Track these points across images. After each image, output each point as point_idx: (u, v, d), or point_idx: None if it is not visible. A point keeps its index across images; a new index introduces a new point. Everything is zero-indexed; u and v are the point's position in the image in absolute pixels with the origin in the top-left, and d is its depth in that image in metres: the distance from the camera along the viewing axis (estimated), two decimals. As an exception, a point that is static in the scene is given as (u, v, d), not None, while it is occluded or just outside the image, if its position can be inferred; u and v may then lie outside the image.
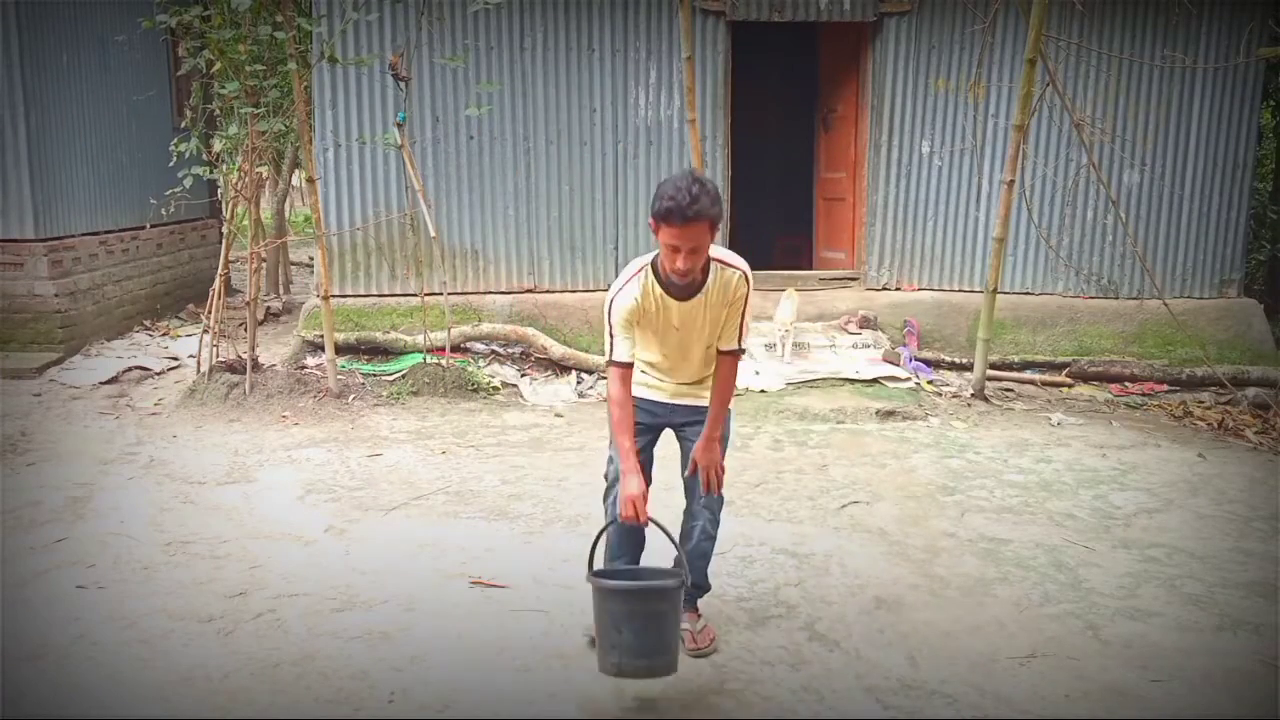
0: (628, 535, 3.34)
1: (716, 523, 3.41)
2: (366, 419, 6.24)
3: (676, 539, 3.32)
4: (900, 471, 5.41)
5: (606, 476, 3.40)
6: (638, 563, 3.42)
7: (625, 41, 7.85)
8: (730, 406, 3.38)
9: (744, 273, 3.18)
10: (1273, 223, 10.11)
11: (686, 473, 3.37)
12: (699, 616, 3.44)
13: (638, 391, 3.33)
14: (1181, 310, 7.69)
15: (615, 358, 3.18)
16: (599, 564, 3.20)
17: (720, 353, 3.29)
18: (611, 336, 3.18)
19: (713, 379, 3.34)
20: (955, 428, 6.34)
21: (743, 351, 3.32)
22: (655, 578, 3.10)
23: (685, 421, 3.39)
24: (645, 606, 2.93)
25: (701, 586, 3.47)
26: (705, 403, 3.34)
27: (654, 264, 3.15)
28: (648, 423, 3.36)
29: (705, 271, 3.13)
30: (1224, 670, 3.33)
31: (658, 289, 3.14)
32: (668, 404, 3.38)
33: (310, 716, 2.98)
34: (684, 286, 3.12)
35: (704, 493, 3.32)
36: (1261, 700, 3.18)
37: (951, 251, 8.27)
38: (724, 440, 3.35)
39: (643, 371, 3.35)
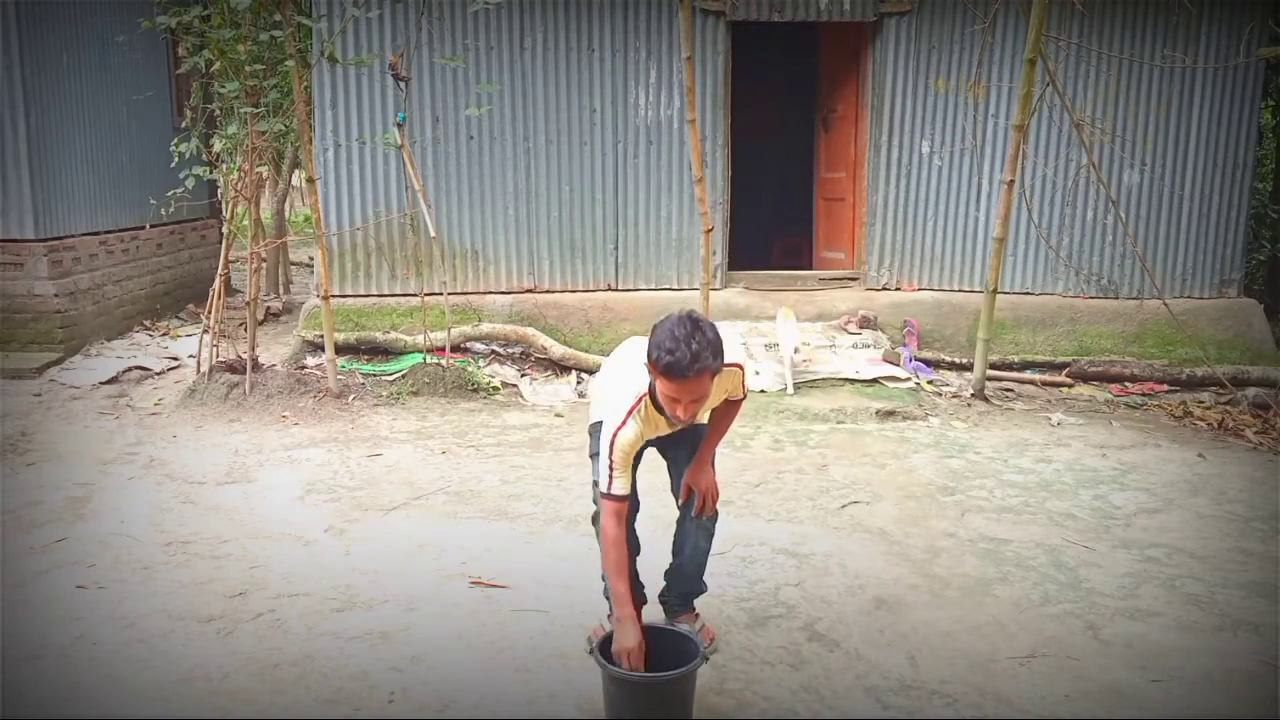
0: (625, 543, 3.23)
1: (711, 535, 3.40)
2: (366, 419, 6.24)
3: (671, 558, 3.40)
4: (900, 471, 5.41)
5: (597, 501, 3.24)
6: (635, 572, 3.34)
7: (625, 41, 7.85)
8: None
9: (739, 365, 3.13)
10: (1273, 223, 10.10)
11: (680, 499, 3.33)
12: (697, 616, 3.45)
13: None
14: (1181, 310, 7.69)
15: (613, 491, 3.01)
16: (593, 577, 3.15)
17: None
18: (611, 469, 3.01)
19: (710, 416, 3.29)
20: (955, 428, 6.34)
21: (744, 398, 3.29)
22: (660, 639, 3.01)
23: (671, 441, 3.30)
24: (677, 689, 2.86)
25: (695, 591, 3.46)
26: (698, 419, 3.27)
27: (651, 393, 2.99)
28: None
29: None
30: (1224, 670, 3.33)
31: (656, 415, 3.03)
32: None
33: (310, 716, 2.99)
34: None
35: (697, 514, 3.32)
36: (1261, 700, 3.18)
37: (951, 251, 8.27)
38: (712, 532, 3.39)
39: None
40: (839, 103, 8.63)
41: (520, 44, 7.78)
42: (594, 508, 3.32)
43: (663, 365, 2.79)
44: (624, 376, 3.11)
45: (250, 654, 3.32)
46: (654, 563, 3.43)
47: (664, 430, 3.11)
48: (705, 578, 3.47)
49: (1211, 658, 3.41)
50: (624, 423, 3.01)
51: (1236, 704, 3.15)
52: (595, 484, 3.26)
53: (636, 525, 3.34)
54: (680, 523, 3.41)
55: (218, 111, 7.23)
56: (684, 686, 2.87)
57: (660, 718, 2.83)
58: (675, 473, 3.39)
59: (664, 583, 3.47)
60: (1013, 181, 6.82)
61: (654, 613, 3.42)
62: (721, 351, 2.86)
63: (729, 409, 3.29)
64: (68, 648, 3.35)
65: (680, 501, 3.36)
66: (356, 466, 5.34)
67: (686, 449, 3.32)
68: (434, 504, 4.79)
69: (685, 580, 3.41)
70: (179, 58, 7.03)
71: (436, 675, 3.20)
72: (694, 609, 3.46)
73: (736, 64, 8.08)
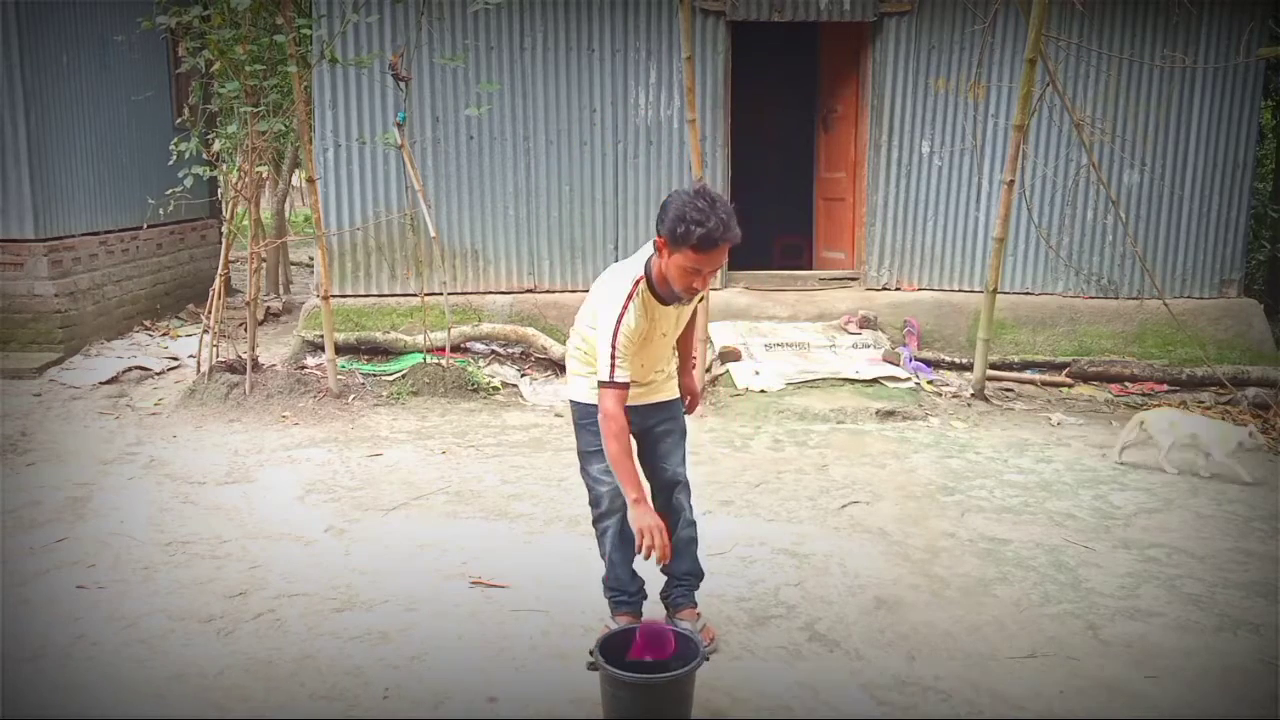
0: (628, 543, 3.21)
1: (692, 508, 3.46)
2: (366, 419, 6.24)
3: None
4: (900, 471, 5.40)
5: (597, 504, 3.31)
6: (635, 574, 3.40)
7: (625, 41, 7.85)
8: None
9: None
10: (1273, 222, 10.10)
11: (686, 406, 3.50)
12: (699, 615, 3.45)
13: None
14: (1181, 310, 7.69)
15: (617, 379, 3.03)
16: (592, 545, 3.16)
17: None
18: (613, 360, 3.03)
19: (679, 342, 3.44)
20: (955, 428, 6.33)
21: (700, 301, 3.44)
22: (656, 639, 2.99)
23: (657, 422, 3.37)
24: (677, 690, 2.86)
25: (695, 573, 3.48)
26: (670, 397, 3.40)
27: (645, 275, 3.09)
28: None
29: None
30: (1222, 669, 3.33)
31: (652, 300, 3.11)
32: (642, 406, 3.30)
33: (306, 712, 2.99)
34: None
35: (688, 411, 3.50)
36: (1261, 700, 3.18)
37: (951, 251, 8.27)
38: (692, 510, 3.46)
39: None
40: (839, 103, 8.63)
41: (520, 44, 7.78)
42: (593, 509, 3.35)
43: (696, 238, 2.86)
44: (610, 284, 3.14)
45: (250, 654, 3.32)
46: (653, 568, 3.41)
47: (663, 318, 3.16)
48: (706, 573, 3.50)
49: (1211, 657, 3.41)
50: (626, 311, 3.04)
51: (1235, 703, 3.15)
52: (581, 462, 3.33)
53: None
54: (660, 507, 3.32)
55: (217, 111, 7.23)
56: (684, 687, 2.87)
57: (660, 718, 2.83)
58: (656, 444, 3.38)
59: (664, 578, 3.47)
60: (1013, 181, 6.82)
61: (655, 610, 3.43)
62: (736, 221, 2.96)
63: (690, 326, 3.45)
64: (68, 648, 3.35)
65: (686, 406, 3.51)
66: (356, 466, 5.34)
67: (667, 424, 3.39)
68: (434, 504, 4.79)
69: (683, 558, 3.40)
70: (179, 58, 7.02)
71: (433, 673, 3.20)
72: (695, 604, 3.46)
73: (736, 64, 8.08)
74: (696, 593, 3.49)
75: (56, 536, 4.31)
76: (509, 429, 6.15)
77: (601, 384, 3.05)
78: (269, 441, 5.76)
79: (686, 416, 3.52)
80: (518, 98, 7.84)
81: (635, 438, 3.32)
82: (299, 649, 3.35)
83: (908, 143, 8.13)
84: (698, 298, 3.20)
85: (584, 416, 3.28)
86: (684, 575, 3.44)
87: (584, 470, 3.33)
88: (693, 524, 3.45)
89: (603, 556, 3.39)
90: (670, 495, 3.40)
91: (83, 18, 8.62)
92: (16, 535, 4.33)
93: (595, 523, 3.37)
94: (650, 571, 3.41)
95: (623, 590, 3.39)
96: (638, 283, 3.07)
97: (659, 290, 3.09)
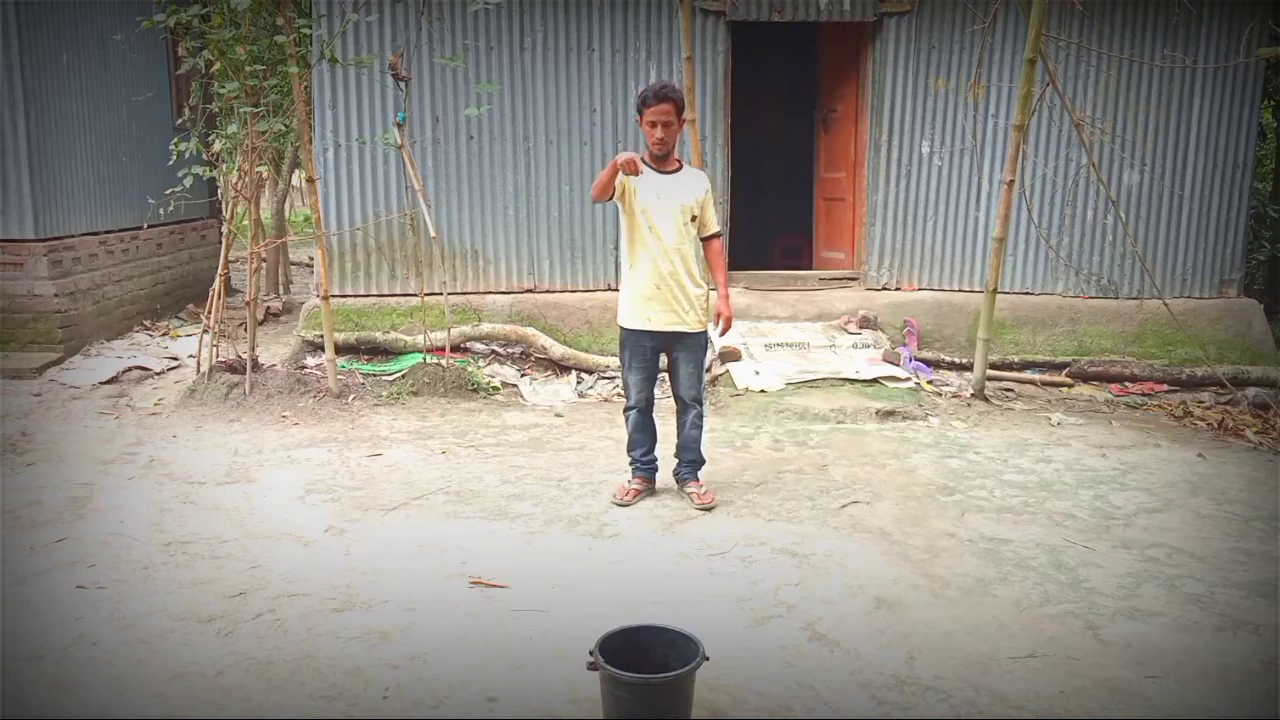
0: (645, 427, 4.77)
1: (703, 415, 4.81)
2: (366, 419, 6.24)
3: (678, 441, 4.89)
4: (900, 471, 5.41)
5: (626, 397, 4.77)
6: (653, 449, 4.80)
7: (625, 41, 7.85)
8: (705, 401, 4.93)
9: (706, 174, 4.98)
10: (1273, 222, 10.10)
11: (719, 330, 4.75)
12: (700, 483, 4.78)
13: (639, 325, 4.56)
14: (1181, 310, 7.70)
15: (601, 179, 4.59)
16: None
17: (706, 240, 4.70)
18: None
19: (708, 263, 4.80)
20: (955, 428, 6.33)
21: (719, 235, 4.75)
22: (660, 639, 3.02)
23: (679, 351, 4.65)
24: (677, 690, 2.87)
25: (698, 460, 4.83)
26: (689, 328, 4.59)
27: (643, 157, 4.54)
28: (649, 356, 4.64)
29: (679, 163, 4.62)
30: (1222, 669, 3.33)
31: (646, 168, 4.51)
32: (662, 332, 4.58)
33: (306, 711, 2.99)
34: (664, 160, 4.53)
35: (722, 331, 4.73)
36: (1261, 700, 3.18)
37: (951, 251, 8.27)
38: (702, 417, 4.81)
39: (643, 297, 4.53)
40: (839, 103, 8.63)
41: (520, 44, 7.78)
42: (625, 400, 4.85)
43: (641, 97, 4.42)
44: None
45: (250, 654, 3.32)
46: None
47: (656, 185, 4.50)
48: (706, 569, 3.56)
49: (1211, 657, 3.41)
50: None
51: (1235, 703, 3.15)
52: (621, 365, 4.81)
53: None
54: (678, 412, 4.81)
55: (217, 111, 7.22)
56: (684, 687, 2.87)
57: (659, 717, 2.83)
58: (675, 366, 4.68)
59: (675, 460, 4.84)
60: (1013, 181, 6.82)
61: (665, 524, 3.43)
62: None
63: (717, 249, 4.74)
64: (68, 648, 3.35)
65: (719, 329, 4.77)
66: (356, 466, 5.34)
67: (684, 353, 4.66)
68: (434, 504, 4.79)
69: (687, 450, 4.81)
70: (179, 58, 7.03)
71: (433, 673, 3.20)
72: (699, 479, 4.80)
73: (736, 64, 8.08)
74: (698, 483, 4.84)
75: (56, 536, 4.31)
76: (509, 429, 6.15)
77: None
78: (269, 441, 5.76)
79: (719, 336, 4.88)
80: (518, 98, 7.84)
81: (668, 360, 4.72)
82: (299, 649, 3.35)
83: (908, 143, 8.13)
84: (705, 195, 4.62)
85: (624, 337, 4.69)
86: (689, 461, 4.81)
87: (623, 372, 4.76)
88: (699, 427, 4.78)
89: (627, 433, 4.83)
90: (685, 407, 4.76)
91: (83, 18, 8.62)
92: (16, 535, 4.33)
93: (624, 410, 4.81)
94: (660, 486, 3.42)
95: (639, 460, 4.80)
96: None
97: (648, 160, 4.54)
